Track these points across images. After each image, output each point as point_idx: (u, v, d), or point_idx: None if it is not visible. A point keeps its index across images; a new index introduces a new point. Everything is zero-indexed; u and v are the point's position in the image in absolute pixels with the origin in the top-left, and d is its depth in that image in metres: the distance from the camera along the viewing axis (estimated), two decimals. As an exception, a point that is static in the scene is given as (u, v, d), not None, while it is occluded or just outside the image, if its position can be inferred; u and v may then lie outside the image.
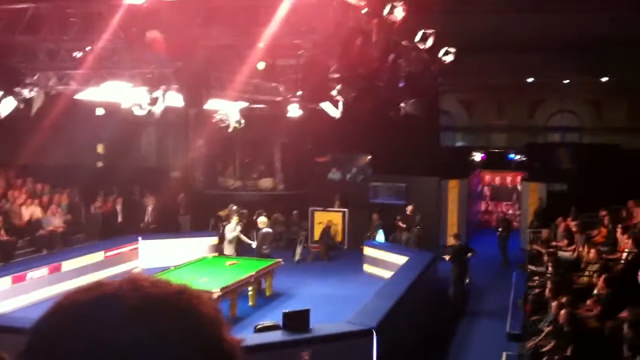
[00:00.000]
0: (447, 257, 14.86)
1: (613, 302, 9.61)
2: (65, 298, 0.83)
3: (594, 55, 22.65)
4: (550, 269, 12.65)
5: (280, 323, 9.79)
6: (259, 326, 10.66)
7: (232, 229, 16.49)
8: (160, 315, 0.79)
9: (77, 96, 13.09)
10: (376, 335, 9.51)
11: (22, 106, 11.34)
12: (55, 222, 18.74)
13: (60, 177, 20.72)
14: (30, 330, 0.82)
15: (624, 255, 12.86)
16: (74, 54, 10.36)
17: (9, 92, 10.41)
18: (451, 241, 15.27)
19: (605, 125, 29.13)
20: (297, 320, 9.53)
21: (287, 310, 9.93)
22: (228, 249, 16.39)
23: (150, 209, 20.48)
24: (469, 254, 14.88)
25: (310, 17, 8.20)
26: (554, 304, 9.68)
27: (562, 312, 8.91)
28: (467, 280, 15.31)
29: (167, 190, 20.83)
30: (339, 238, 21.21)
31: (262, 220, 16.35)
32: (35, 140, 18.53)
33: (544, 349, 9.14)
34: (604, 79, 27.28)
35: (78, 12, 8.97)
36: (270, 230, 16.35)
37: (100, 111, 15.17)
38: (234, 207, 19.59)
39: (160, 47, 7.83)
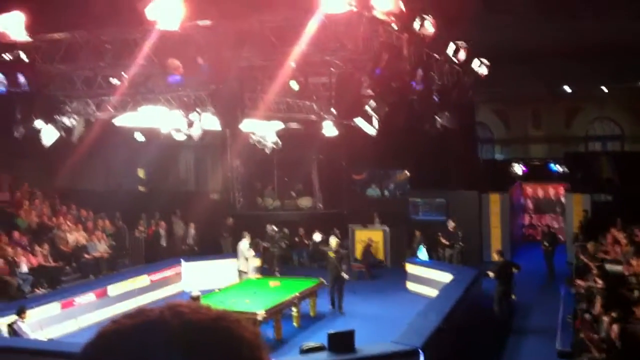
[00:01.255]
0: (491, 274, 14.44)
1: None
2: (109, 325, 0.87)
3: (632, 61, 22.13)
4: (599, 282, 12.26)
5: (326, 344, 9.69)
6: (305, 347, 10.57)
7: (247, 248, 16.94)
8: (200, 341, 0.81)
9: (116, 122, 13.34)
10: (423, 354, 9.33)
11: (63, 134, 11.60)
12: (101, 247, 19.04)
13: (103, 202, 21.11)
14: (77, 357, 0.85)
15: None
16: (111, 80, 10.57)
17: (49, 120, 10.65)
18: (495, 257, 14.82)
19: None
20: (342, 341, 9.43)
21: (332, 331, 9.83)
22: (243, 266, 16.96)
23: (192, 231, 20.65)
24: (514, 270, 14.48)
25: (340, 34, 8.20)
26: (605, 318, 9.36)
27: (615, 327, 8.60)
28: (513, 297, 14.92)
29: (207, 213, 20.95)
30: (380, 256, 21.01)
31: (333, 242, 15.62)
32: (77, 166, 18.94)
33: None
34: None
35: (113, 39, 9.16)
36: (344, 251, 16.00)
37: (140, 136, 15.42)
38: (272, 227, 19.69)
39: (180, 72, 7.95)
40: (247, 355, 0.82)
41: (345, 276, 15.02)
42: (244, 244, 17.15)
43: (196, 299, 11.13)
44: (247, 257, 17.01)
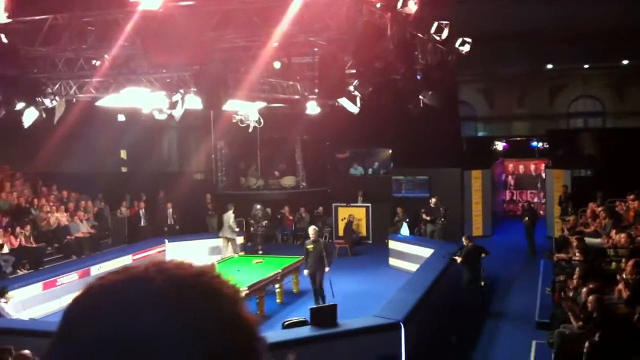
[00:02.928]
0: (458, 259, 13.53)
1: (642, 286, 9.50)
2: (94, 282, 0.88)
3: (614, 39, 22.33)
4: (578, 255, 12.53)
5: (308, 319, 9.85)
6: (287, 322, 10.73)
7: (232, 220, 17.61)
8: (184, 296, 0.83)
9: (98, 103, 13.27)
10: (404, 328, 9.52)
11: (44, 115, 11.53)
12: (83, 228, 19.03)
13: (85, 183, 21.03)
14: (60, 317, 0.87)
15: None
16: (93, 62, 10.50)
17: (30, 102, 10.58)
18: (464, 242, 13.83)
19: (628, 109, 28.69)
20: (324, 316, 9.58)
21: (314, 306, 9.98)
22: (228, 234, 17.68)
23: (170, 211, 20.67)
24: (483, 255, 13.61)
25: (324, 13, 8.21)
26: (583, 290, 9.59)
27: (591, 298, 8.83)
28: (482, 284, 13.84)
29: (190, 193, 20.96)
30: (362, 232, 21.22)
31: (311, 232, 13.83)
32: (59, 148, 18.82)
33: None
34: (625, 62, 26.86)
35: (95, 21, 9.09)
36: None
37: (121, 117, 15.35)
38: (258, 207, 19.79)
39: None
40: (227, 309, 0.85)
41: (327, 269, 13.46)
42: (229, 215, 17.73)
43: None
44: (230, 226, 17.61)
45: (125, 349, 0.79)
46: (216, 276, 0.89)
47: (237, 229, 18.16)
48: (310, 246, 13.42)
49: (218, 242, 18.46)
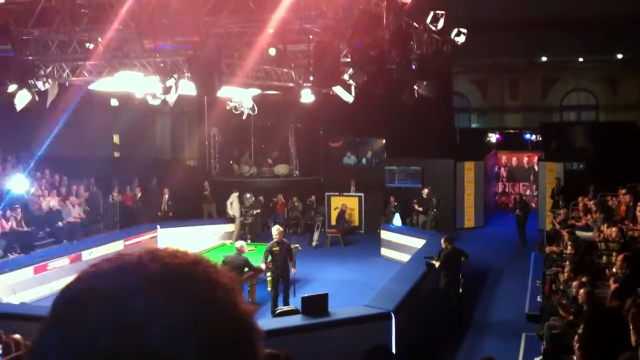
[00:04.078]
0: (436, 264, 12.22)
1: (632, 280, 9.55)
2: (87, 269, 0.87)
3: (608, 32, 22.34)
4: (569, 248, 12.58)
5: (299, 307, 9.85)
6: (278, 311, 10.74)
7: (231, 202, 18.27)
8: (178, 285, 0.83)
9: (91, 87, 13.18)
10: (395, 318, 9.54)
11: (37, 98, 11.44)
12: (75, 212, 18.95)
13: (77, 167, 20.93)
14: (52, 302, 0.86)
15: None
16: (86, 45, 10.41)
17: (23, 85, 10.49)
18: (443, 244, 12.43)
19: (622, 102, 28.77)
20: (315, 305, 9.58)
21: (305, 295, 9.99)
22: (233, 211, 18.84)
23: (166, 197, 20.62)
24: (463, 259, 12.54)
25: (320, 1, 8.16)
26: (574, 283, 9.64)
27: (582, 291, 8.87)
28: (460, 290, 12.65)
29: (182, 179, 20.89)
30: (355, 222, 21.23)
31: (275, 232, 12.87)
32: (51, 132, 18.71)
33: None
34: (619, 56, 26.90)
35: (88, 3, 9.00)
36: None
37: (114, 102, 15.25)
38: (248, 195, 19.69)
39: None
40: (222, 297, 0.85)
41: (293, 271, 12.60)
42: (232, 198, 18.61)
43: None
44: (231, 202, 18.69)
45: (122, 333, 0.79)
46: (211, 265, 0.89)
47: (233, 214, 18.22)
48: (275, 248, 12.35)
49: (211, 228, 18.44)
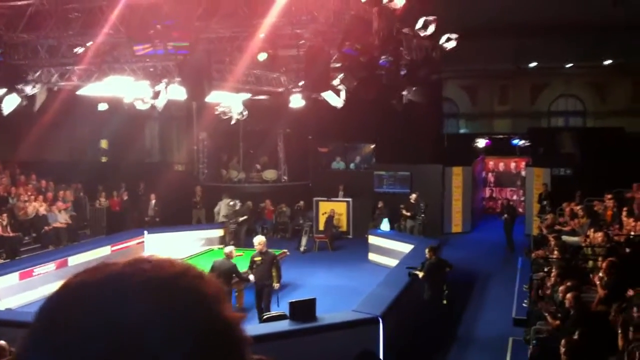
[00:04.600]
0: (420, 274, 11.86)
1: (618, 285, 9.63)
2: (71, 279, 0.86)
3: (597, 38, 22.54)
4: (556, 253, 12.66)
5: (287, 313, 9.84)
6: (266, 316, 10.71)
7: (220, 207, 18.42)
8: (162, 298, 0.82)
9: (80, 92, 13.11)
10: (382, 323, 9.56)
11: (25, 103, 11.37)
12: (61, 218, 18.82)
13: (64, 172, 20.81)
14: (38, 310, 0.85)
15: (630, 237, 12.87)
16: (75, 49, 10.37)
17: (11, 89, 10.43)
18: (427, 254, 12.00)
19: (609, 109, 29.01)
20: (303, 310, 9.57)
21: (293, 300, 9.98)
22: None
23: (153, 202, 20.53)
24: (447, 269, 12.20)
25: (311, 6, 8.19)
26: (560, 288, 9.70)
27: (569, 295, 8.93)
28: (444, 302, 12.19)
29: (171, 184, 20.81)
30: (343, 227, 21.24)
31: (257, 242, 12.32)
32: (39, 137, 18.60)
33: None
34: (607, 62, 27.15)
35: (79, 8, 8.98)
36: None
37: (103, 106, 15.18)
38: (232, 202, 19.58)
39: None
40: (209, 309, 0.84)
41: (276, 286, 12.06)
42: (222, 203, 18.84)
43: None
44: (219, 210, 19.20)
45: (114, 338, 0.78)
46: (197, 276, 0.88)
47: (223, 219, 18.24)
48: (257, 258, 11.92)
49: (199, 234, 18.37)
